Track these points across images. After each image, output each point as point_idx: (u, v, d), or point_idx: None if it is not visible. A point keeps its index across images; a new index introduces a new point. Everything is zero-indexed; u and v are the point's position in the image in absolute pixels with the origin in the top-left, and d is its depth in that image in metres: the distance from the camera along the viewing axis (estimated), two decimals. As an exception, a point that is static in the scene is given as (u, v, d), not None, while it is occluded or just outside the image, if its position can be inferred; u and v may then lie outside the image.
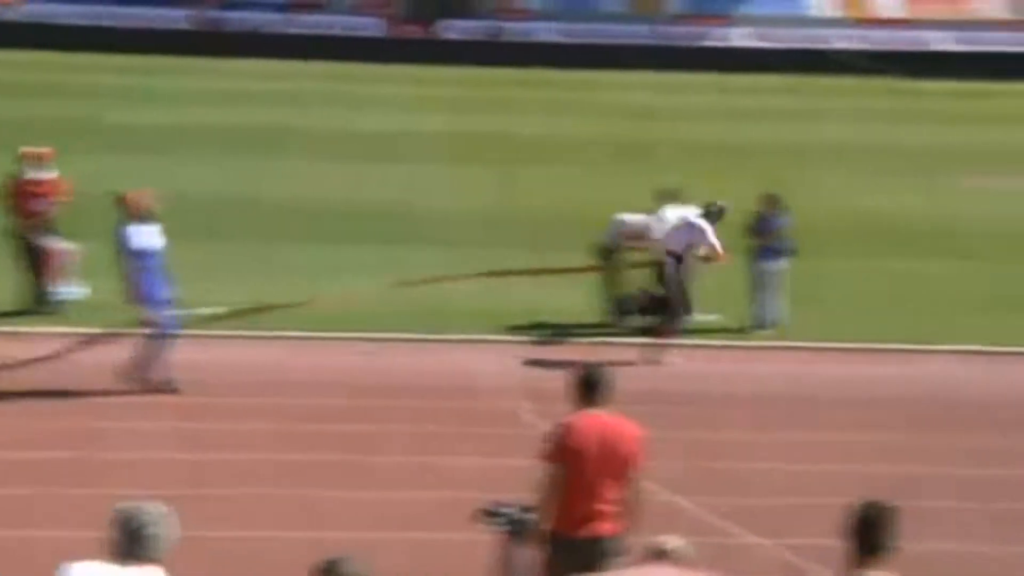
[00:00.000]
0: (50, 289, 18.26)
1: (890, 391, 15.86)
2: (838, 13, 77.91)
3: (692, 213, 17.32)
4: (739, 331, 18.19)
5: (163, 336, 14.93)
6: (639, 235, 18.35)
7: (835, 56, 72.36)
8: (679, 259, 16.93)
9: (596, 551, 8.53)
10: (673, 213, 18.14)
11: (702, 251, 17.05)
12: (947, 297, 20.40)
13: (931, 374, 16.60)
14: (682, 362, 16.65)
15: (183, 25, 65.37)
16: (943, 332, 18.09)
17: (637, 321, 18.23)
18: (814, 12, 77.77)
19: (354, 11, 69.88)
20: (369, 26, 69.43)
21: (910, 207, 28.98)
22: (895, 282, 21.38)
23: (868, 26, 76.70)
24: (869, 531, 6.46)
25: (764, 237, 18.49)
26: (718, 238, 16.89)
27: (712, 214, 17.15)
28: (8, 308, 18.07)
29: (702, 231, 16.93)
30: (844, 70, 69.25)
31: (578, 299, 18.83)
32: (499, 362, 16.58)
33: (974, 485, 12.72)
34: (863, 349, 17.40)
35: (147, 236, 15.03)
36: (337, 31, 67.56)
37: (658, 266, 17.17)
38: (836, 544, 6.68)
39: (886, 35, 75.57)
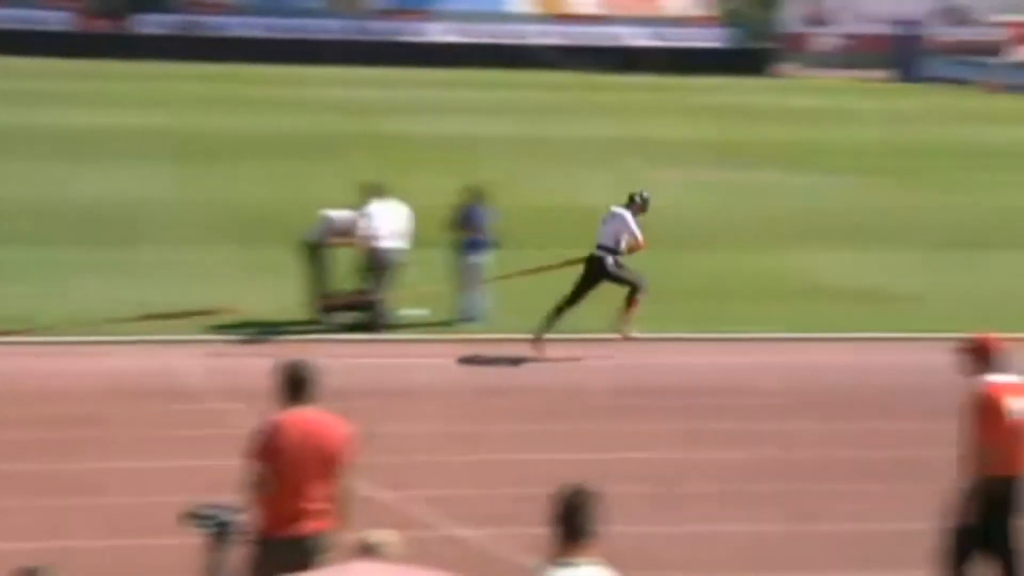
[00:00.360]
0: None
1: (595, 380, 16.19)
2: (535, 9, 79.18)
3: (620, 208, 17.23)
4: (446, 324, 18.32)
5: None
6: (346, 231, 18.32)
7: (532, 51, 73.54)
8: (613, 252, 17.00)
9: (304, 549, 8.48)
10: (379, 208, 18.19)
11: (624, 240, 17.07)
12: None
13: (632, 362, 17.01)
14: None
15: None
16: (644, 321, 18.53)
17: (344, 318, 18.20)
18: (511, 8, 78.84)
19: (40, 4, 67.69)
20: (56, 20, 67.37)
21: (605, 199, 29.62)
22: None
23: (564, 22, 78.22)
24: (572, 517, 6.57)
25: (467, 230, 18.67)
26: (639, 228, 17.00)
27: (636, 204, 17.23)
28: None
29: (624, 220, 17.03)
30: (541, 65, 70.47)
31: (284, 296, 18.68)
32: (204, 362, 16.33)
33: (666, 469, 13.09)
34: (564, 339, 17.70)
35: None
36: (20, 25, 65.29)
37: (594, 262, 17.06)
38: (542, 532, 6.79)
39: (581, 31, 77.19)
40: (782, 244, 24.99)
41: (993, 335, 9.88)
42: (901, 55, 78.50)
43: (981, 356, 9.54)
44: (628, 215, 17.12)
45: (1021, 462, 9.41)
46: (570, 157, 36.67)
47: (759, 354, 17.45)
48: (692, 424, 14.50)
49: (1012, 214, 29.21)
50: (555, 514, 6.61)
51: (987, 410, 9.32)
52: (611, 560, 6.67)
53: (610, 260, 16.94)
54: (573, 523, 6.57)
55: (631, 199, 17.37)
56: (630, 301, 17.03)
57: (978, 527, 9.42)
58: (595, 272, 16.99)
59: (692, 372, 16.65)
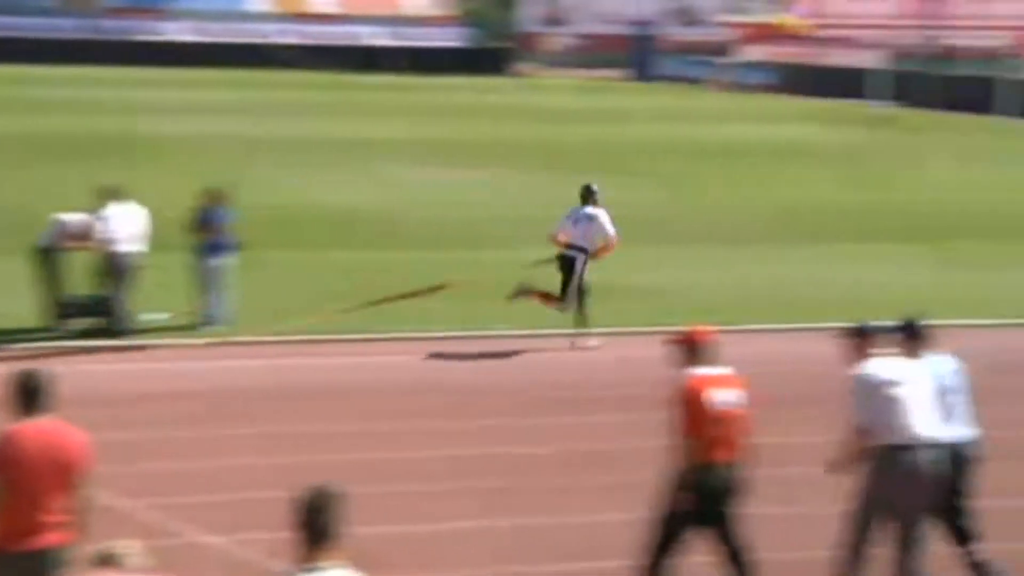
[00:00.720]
0: None
1: (336, 381, 16.15)
2: (274, 8, 78.55)
3: (593, 209, 17.49)
4: (189, 329, 18.03)
5: None
6: (82, 235, 17.91)
7: (272, 51, 72.99)
8: (586, 252, 17.24)
9: (41, 563, 8.26)
10: (116, 211, 17.86)
11: (599, 240, 17.34)
12: (390, 286, 20.93)
13: (379, 363, 17.02)
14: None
15: None
16: (386, 321, 18.54)
17: (79, 323, 17.78)
18: (249, 7, 78.07)
19: None
20: None
21: (350, 198, 29.63)
22: (341, 273, 21.77)
23: (303, 21, 77.81)
24: (315, 519, 6.53)
25: (208, 233, 18.40)
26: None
27: (595, 198, 17.51)
28: None
29: (600, 221, 17.29)
30: (282, 64, 70.00)
31: (13, 303, 18.15)
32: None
33: (421, 467, 13.14)
34: (309, 340, 17.62)
35: None
36: None
37: (567, 261, 17.37)
38: (288, 536, 6.74)
39: (321, 30, 76.92)
40: (526, 242, 25.26)
41: (703, 328, 10.13)
42: (635, 55, 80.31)
43: (690, 349, 9.79)
44: (604, 213, 17.50)
45: (727, 451, 9.63)
46: (313, 157, 36.50)
47: (501, 350, 17.59)
48: (415, 423, 14.51)
49: (743, 209, 30.15)
50: (298, 518, 6.56)
51: (691, 402, 9.57)
52: (357, 562, 6.67)
53: (580, 261, 17.35)
54: (316, 526, 6.54)
55: (590, 195, 17.65)
56: (547, 297, 17.51)
57: (685, 517, 9.65)
58: (569, 269, 17.42)
59: (436, 370, 16.74)
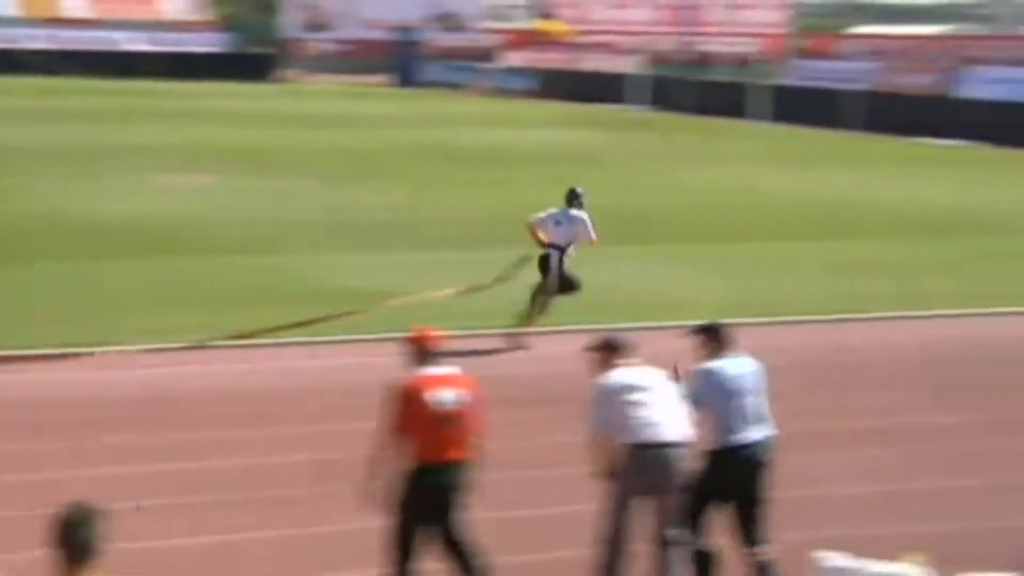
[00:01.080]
0: None
1: (88, 395, 15.82)
2: (22, 13, 76.65)
3: (577, 212, 18.18)
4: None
5: None
6: None
7: (22, 56, 71.21)
8: (563, 251, 17.97)
9: None
10: None
11: (582, 239, 18.10)
12: (140, 295, 20.61)
13: (138, 376, 16.73)
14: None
15: None
16: (118, 331, 18.23)
17: None
18: (-2, 11, 76.04)
19: None
20: None
21: (107, 206, 29.04)
22: (96, 283, 21.33)
23: (54, 26, 76.04)
24: (75, 535, 6.40)
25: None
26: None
27: (579, 201, 18.23)
28: None
29: (583, 222, 18.07)
30: (34, 70, 68.36)
31: None
32: None
33: (176, 481, 12.97)
34: (63, 355, 17.21)
35: None
36: None
37: (544, 260, 18.07)
38: (45, 554, 6.61)
39: (74, 35, 75.29)
40: (286, 247, 25.12)
41: (429, 329, 10.12)
42: (399, 60, 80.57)
43: (419, 350, 9.82)
44: (587, 217, 18.24)
45: (451, 451, 9.57)
46: (69, 165, 35.71)
47: (246, 361, 17.33)
48: (172, 435, 14.31)
49: (501, 213, 30.39)
50: (57, 534, 6.43)
51: (411, 401, 9.52)
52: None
53: (555, 258, 18.03)
54: (76, 543, 6.41)
55: (576, 198, 18.33)
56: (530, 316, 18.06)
57: (414, 520, 9.58)
58: (546, 267, 18.12)
59: (188, 380, 16.53)
